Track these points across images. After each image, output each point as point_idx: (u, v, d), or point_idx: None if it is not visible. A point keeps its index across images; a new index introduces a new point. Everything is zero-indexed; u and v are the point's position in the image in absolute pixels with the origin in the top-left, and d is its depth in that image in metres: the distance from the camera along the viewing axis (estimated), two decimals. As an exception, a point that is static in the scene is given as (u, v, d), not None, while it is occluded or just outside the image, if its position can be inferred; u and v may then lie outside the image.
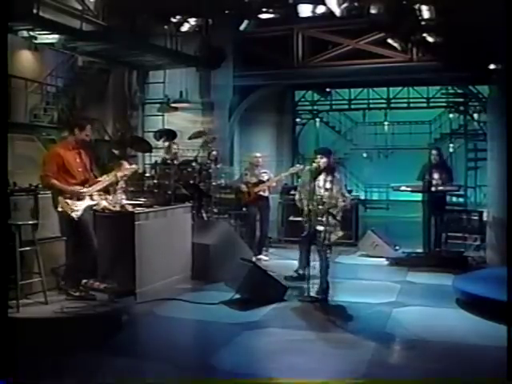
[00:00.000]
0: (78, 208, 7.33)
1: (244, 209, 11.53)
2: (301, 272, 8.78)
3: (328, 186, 8.15)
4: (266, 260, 11.21)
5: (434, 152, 11.62)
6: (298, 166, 11.52)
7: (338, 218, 8.23)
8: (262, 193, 11.31)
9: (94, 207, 7.86)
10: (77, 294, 7.47)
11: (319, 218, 8.08)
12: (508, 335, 5.11)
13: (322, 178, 8.25)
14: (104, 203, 8.28)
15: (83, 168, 7.56)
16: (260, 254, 11.31)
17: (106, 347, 6.17)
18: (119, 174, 7.92)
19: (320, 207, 8.08)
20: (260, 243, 11.43)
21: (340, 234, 8.37)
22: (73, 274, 7.55)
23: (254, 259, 10.72)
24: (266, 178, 11.39)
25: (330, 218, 8.09)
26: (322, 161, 8.27)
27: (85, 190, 7.45)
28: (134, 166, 8.84)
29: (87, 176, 7.55)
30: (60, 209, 7.27)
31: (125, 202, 8.60)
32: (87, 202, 7.47)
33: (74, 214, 7.27)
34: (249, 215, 11.47)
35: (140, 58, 13.48)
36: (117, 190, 8.76)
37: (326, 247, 8.10)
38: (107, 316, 7.19)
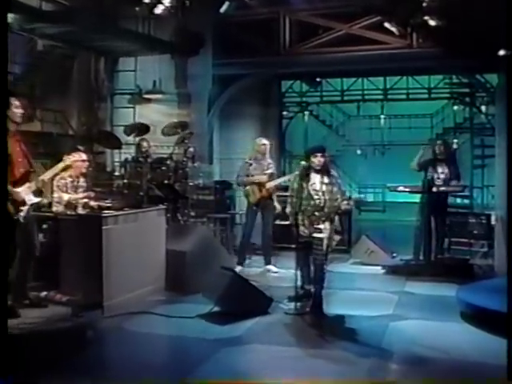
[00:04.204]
0: (23, 208, 7.35)
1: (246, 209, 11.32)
2: (307, 287, 8.54)
3: (325, 188, 8.11)
4: (275, 272, 10.97)
5: (438, 142, 11.72)
6: (289, 176, 11.21)
7: (337, 222, 8.25)
8: (271, 190, 11.06)
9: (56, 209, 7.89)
10: (26, 302, 7.48)
11: (317, 226, 8.05)
12: (507, 332, 5.13)
13: (317, 180, 8.18)
14: (61, 208, 8.32)
15: (23, 158, 7.56)
16: (269, 263, 11.15)
17: (68, 367, 6.11)
18: (61, 166, 7.99)
19: (317, 213, 8.05)
20: (265, 249, 11.33)
21: (337, 238, 8.38)
22: (19, 283, 7.57)
23: (261, 270, 10.94)
24: (270, 171, 11.15)
25: (330, 224, 8.09)
26: (317, 160, 8.19)
27: (24, 188, 7.47)
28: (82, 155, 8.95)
29: (27, 168, 7.56)
30: None
31: (86, 200, 8.61)
32: (31, 199, 7.49)
33: (18, 216, 7.29)
34: (248, 217, 11.35)
35: (108, 43, 13.40)
36: (77, 187, 8.81)
37: (323, 256, 8.08)
38: (70, 332, 7.16)
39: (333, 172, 8.31)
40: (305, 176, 8.21)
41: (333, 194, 8.08)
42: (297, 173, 8.42)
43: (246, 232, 11.32)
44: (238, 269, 10.66)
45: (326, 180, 8.14)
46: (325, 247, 8.02)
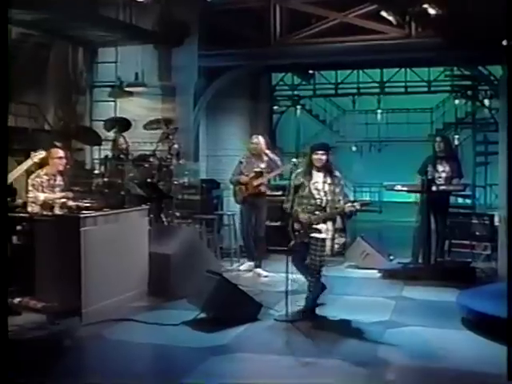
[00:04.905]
0: None
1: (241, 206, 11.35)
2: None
3: (327, 188, 8.11)
4: (265, 276, 11.03)
5: (438, 139, 11.68)
6: (277, 171, 11.18)
7: (339, 222, 8.24)
8: (262, 187, 11.11)
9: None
10: None
11: (316, 227, 8.03)
12: (507, 330, 5.14)
13: (320, 179, 8.18)
14: (36, 209, 8.28)
15: None
16: (259, 267, 11.24)
17: (43, 379, 6.09)
18: (26, 165, 7.95)
19: (317, 213, 8.04)
20: (256, 250, 11.34)
21: (341, 241, 8.37)
22: None
23: (251, 273, 11.02)
24: (258, 169, 11.11)
25: (332, 225, 8.07)
26: (318, 158, 8.20)
27: None
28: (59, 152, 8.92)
29: None
30: None
31: (63, 200, 8.59)
32: None
33: None
34: (241, 215, 11.42)
35: (87, 32, 13.32)
36: (54, 186, 8.78)
37: (320, 258, 8.08)
38: (46, 341, 7.12)
39: (337, 173, 8.28)
40: (307, 174, 8.22)
41: (335, 195, 8.07)
42: (299, 170, 8.38)
43: (244, 234, 11.46)
44: (249, 263, 11.24)
45: (328, 180, 8.14)
46: (328, 250, 8.03)
